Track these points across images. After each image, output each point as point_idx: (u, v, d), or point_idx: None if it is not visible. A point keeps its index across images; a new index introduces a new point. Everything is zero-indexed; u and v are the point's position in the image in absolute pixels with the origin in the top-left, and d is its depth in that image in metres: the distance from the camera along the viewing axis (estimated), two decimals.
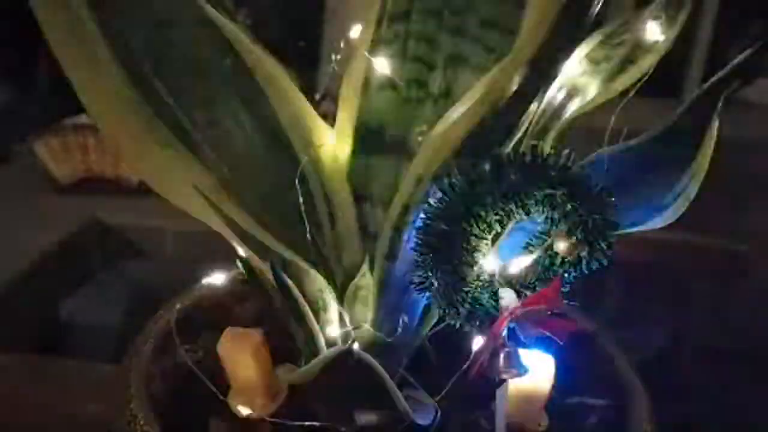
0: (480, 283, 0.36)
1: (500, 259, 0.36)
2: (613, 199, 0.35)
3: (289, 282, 0.41)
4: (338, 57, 0.43)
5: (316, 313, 0.43)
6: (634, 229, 0.40)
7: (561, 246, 0.35)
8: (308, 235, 0.40)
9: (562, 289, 0.35)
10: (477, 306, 0.36)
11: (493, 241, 0.36)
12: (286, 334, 0.47)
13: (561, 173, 0.34)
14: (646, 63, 0.47)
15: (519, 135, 0.39)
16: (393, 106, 0.41)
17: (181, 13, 0.38)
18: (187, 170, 0.37)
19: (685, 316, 1.05)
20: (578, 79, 0.49)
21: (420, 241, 0.35)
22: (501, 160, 0.34)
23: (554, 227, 0.35)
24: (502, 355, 0.35)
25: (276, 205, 0.41)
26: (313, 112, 0.40)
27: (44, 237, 1.02)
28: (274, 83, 0.39)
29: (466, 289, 0.35)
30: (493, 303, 0.36)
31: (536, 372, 0.44)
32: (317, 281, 0.43)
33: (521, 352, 0.35)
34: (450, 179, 0.34)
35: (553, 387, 0.45)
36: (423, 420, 0.40)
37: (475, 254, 0.35)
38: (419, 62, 0.41)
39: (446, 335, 0.46)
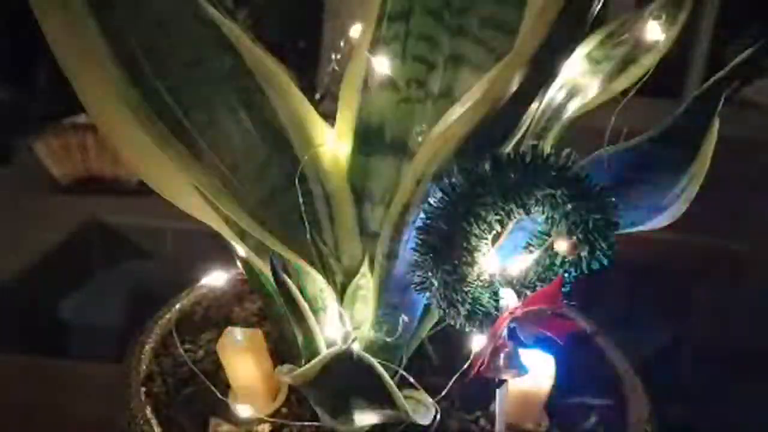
0: (480, 283, 0.36)
1: (500, 259, 0.36)
2: (613, 199, 0.35)
3: (289, 282, 0.41)
4: (338, 57, 0.43)
5: (316, 313, 0.43)
6: (634, 229, 0.40)
7: (561, 246, 0.35)
8: (308, 235, 0.40)
9: (562, 289, 0.35)
10: (477, 306, 0.36)
11: (493, 241, 0.36)
12: (286, 334, 0.47)
13: (561, 173, 0.34)
14: (646, 63, 0.47)
15: (519, 135, 0.39)
16: (393, 106, 0.41)
17: (181, 13, 0.38)
18: (187, 170, 0.37)
19: (685, 316, 1.05)
20: (578, 79, 0.49)
21: (420, 241, 0.35)
22: (501, 160, 0.34)
23: (554, 227, 0.35)
24: (502, 355, 0.35)
25: (276, 205, 0.41)
26: (313, 112, 0.40)
27: (44, 237, 1.02)
28: (274, 83, 0.39)
29: (466, 289, 0.35)
30: (493, 303, 0.36)
31: (536, 372, 0.44)
32: (317, 281, 0.43)
33: (521, 352, 0.35)
34: (450, 179, 0.34)
35: (553, 387, 0.45)
36: (423, 420, 0.40)
37: (475, 254, 0.35)
38: (419, 62, 0.41)
39: (446, 335, 0.46)
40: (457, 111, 0.35)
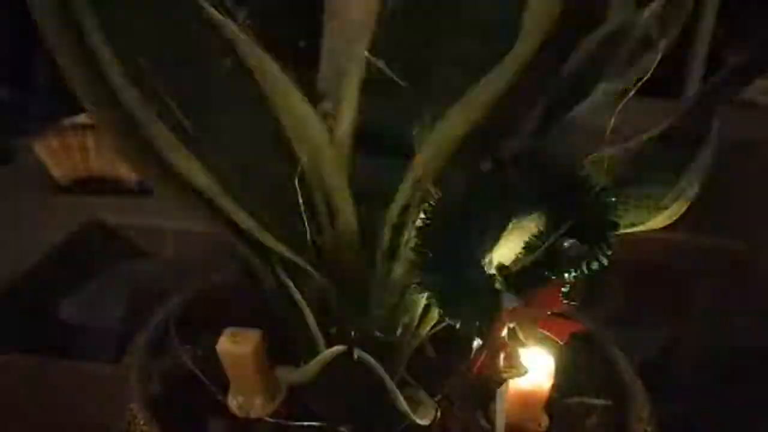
0: (480, 283, 0.36)
1: (500, 259, 0.36)
2: (613, 199, 0.35)
3: (289, 282, 0.41)
4: (338, 57, 0.43)
5: (316, 313, 0.43)
6: (634, 229, 0.40)
7: (561, 246, 0.35)
8: (308, 235, 0.40)
9: (562, 289, 0.35)
10: (477, 306, 0.36)
11: (493, 241, 0.36)
12: (286, 334, 0.47)
13: (561, 173, 0.34)
14: (646, 63, 0.47)
15: (519, 135, 0.39)
16: (393, 106, 0.41)
17: (181, 13, 0.38)
18: (187, 170, 0.37)
19: (685, 316, 1.05)
20: (578, 79, 0.49)
21: (420, 241, 0.35)
22: (501, 160, 0.34)
23: (554, 227, 0.35)
24: (502, 355, 0.35)
25: (276, 205, 0.41)
26: (313, 112, 0.40)
27: (44, 237, 1.02)
28: (274, 83, 0.39)
29: (466, 289, 0.35)
30: (493, 303, 0.36)
31: (536, 372, 0.44)
32: (317, 281, 0.43)
33: (521, 352, 0.35)
34: (450, 179, 0.34)
35: (553, 387, 0.45)
36: (423, 420, 0.40)
37: (475, 254, 0.35)
38: (419, 62, 0.41)
39: (446, 335, 0.46)
40: (456, 111, 0.35)
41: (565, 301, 0.35)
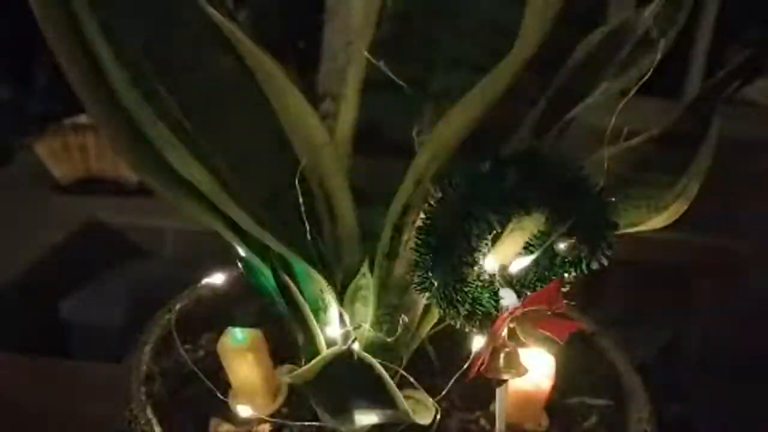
0: (480, 283, 0.36)
1: (500, 259, 0.36)
2: (613, 199, 0.35)
3: (290, 282, 0.41)
4: (338, 57, 0.44)
5: (316, 313, 0.43)
6: (634, 229, 0.40)
7: (561, 246, 0.35)
8: (308, 235, 0.40)
9: (562, 289, 0.35)
10: (477, 306, 0.36)
11: (493, 241, 0.36)
12: (286, 334, 0.47)
13: (561, 173, 0.34)
14: (646, 63, 0.47)
15: (519, 135, 0.38)
16: (393, 106, 0.41)
17: (181, 13, 0.38)
18: (188, 171, 0.37)
19: (685, 316, 1.05)
20: (578, 79, 0.49)
21: (420, 241, 0.35)
22: (501, 160, 0.34)
23: (554, 227, 0.35)
24: (502, 355, 0.35)
25: (276, 205, 0.41)
26: (313, 112, 0.40)
27: (44, 237, 1.03)
28: (274, 83, 0.39)
29: (466, 289, 0.35)
30: (493, 303, 0.36)
31: (536, 372, 0.44)
32: (317, 281, 0.43)
33: (521, 352, 0.35)
34: (450, 179, 0.34)
35: (553, 387, 0.45)
36: (423, 420, 0.40)
37: (475, 254, 0.35)
38: (419, 62, 0.41)
39: (446, 335, 0.46)
40: (456, 111, 0.35)
41: (565, 301, 0.35)
